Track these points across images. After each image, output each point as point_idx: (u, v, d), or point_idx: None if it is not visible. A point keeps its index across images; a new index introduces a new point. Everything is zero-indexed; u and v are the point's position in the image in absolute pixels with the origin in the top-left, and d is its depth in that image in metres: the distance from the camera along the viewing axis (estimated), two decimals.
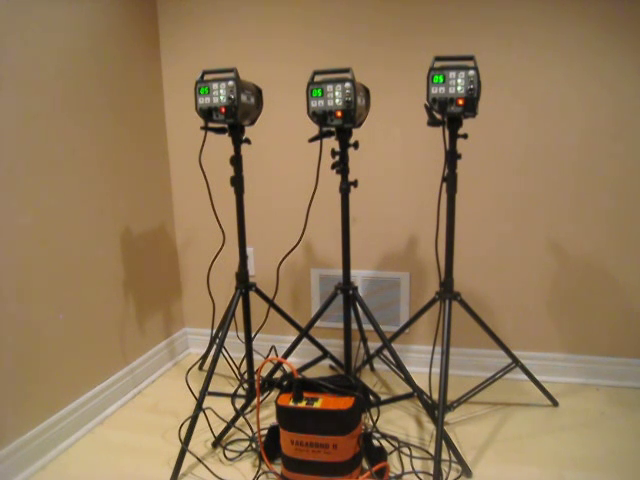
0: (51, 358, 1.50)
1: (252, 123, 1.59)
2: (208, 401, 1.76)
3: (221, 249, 1.74)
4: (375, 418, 1.62)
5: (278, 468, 1.39)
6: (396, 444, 1.49)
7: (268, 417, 1.68)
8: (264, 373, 1.92)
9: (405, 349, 1.99)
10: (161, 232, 2.05)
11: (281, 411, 1.30)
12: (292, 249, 1.72)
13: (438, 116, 1.35)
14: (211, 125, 1.47)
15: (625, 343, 1.79)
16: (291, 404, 1.29)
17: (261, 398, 1.78)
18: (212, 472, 1.40)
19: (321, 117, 1.37)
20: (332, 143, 1.57)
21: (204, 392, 1.49)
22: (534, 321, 1.86)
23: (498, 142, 1.76)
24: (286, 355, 1.68)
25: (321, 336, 2.06)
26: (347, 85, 1.33)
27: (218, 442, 1.52)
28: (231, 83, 1.39)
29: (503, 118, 1.74)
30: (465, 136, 1.40)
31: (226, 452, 1.49)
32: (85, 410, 1.62)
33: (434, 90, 1.29)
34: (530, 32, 1.67)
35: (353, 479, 1.30)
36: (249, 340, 1.73)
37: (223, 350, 2.04)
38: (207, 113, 1.43)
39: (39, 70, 1.43)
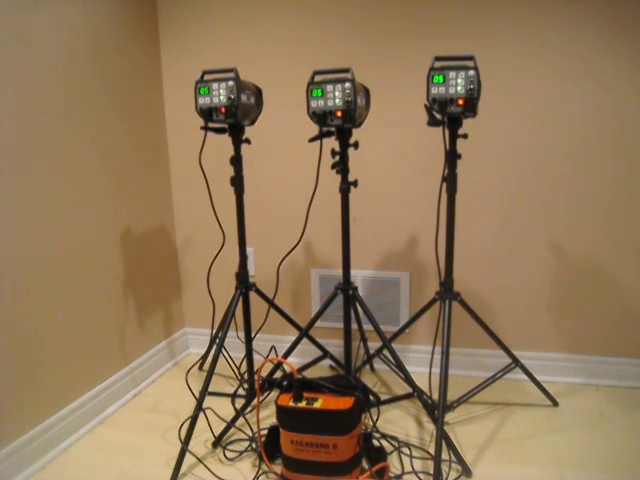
0: (51, 358, 1.50)
1: (252, 123, 1.59)
2: (208, 401, 1.76)
3: (221, 249, 1.74)
4: (375, 418, 1.62)
5: (278, 468, 1.39)
6: (396, 444, 1.49)
7: (268, 417, 1.68)
8: (264, 373, 1.92)
9: (405, 349, 1.99)
10: (161, 232, 2.05)
11: (281, 411, 1.30)
12: (292, 249, 1.72)
13: (438, 116, 1.35)
14: (211, 125, 1.47)
15: (624, 343, 1.79)
16: (291, 404, 1.29)
17: (261, 398, 1.78)
18: (212, 472, 1.40)
19: (321, 117, 1.37)
20: (332, 143, 1.56)
21: (204, 392, 1.49)
22: (534, 321, 1.86)
23: (498, 142, 1.76)
24: (286, 355, 1.68)
25: (321, 336, 2.06)
26: (347, 85, 1.33)
27: (218, 442, 1.52)
28: (231, 83, 1.39)
29: (503, 118, 1.74)
30: (465, 136, 1.40)
31: (226, 452, 1.49)
32: (85, 410, 1.62)
33: (434, 90, 1.29)
34: (530, 32, 1.67)
35: (353, 479, 1.30)
36: (249, 340, 1.73)
37: (223, 350, 2.04)
38: (207, 113, 1.43)
39: (39, 70, 1.43)
